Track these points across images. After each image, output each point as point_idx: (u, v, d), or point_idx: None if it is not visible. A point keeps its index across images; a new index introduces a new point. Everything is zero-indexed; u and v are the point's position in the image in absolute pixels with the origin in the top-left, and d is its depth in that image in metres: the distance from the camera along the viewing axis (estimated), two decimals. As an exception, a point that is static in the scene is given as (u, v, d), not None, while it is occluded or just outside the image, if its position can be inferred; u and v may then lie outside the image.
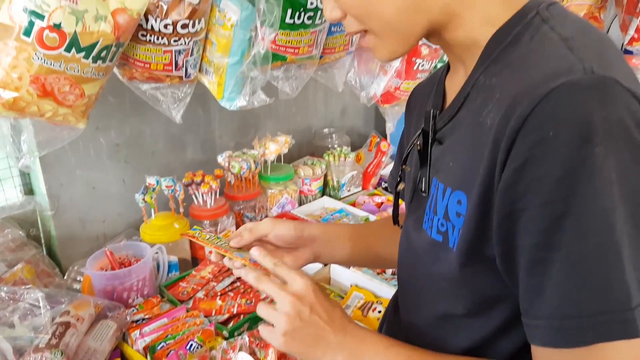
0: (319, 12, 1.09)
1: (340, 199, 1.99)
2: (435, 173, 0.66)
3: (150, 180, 1.44)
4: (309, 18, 1.09)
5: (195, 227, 1.08)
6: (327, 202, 1.96)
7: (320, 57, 1.27)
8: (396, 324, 0.82)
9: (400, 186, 0.79)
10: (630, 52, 1.70)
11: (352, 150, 2.09)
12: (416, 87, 0.84)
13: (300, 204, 1.93)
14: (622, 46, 1.69)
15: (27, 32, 0.73)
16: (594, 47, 0.52)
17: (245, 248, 0.82)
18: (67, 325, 1.07)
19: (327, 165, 1.99)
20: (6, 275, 1.29)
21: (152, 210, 1.46)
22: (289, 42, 1.10)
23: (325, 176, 2.01)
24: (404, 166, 0.78)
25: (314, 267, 1.48)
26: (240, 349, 1.06)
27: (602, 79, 0.47)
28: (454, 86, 0.66)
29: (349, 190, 2.05)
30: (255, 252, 0.74)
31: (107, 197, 1.55)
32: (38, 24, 0.72)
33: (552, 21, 0.55)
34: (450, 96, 0.67)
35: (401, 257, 0.79)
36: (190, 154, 1.73)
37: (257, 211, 1.76)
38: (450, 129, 0.63)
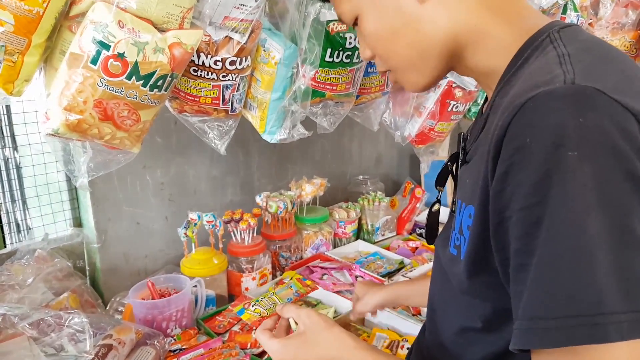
0: (356, 52, 1.16)
1: (374, 243, 1.99)
2: (458, 192, 0.69)
3: (193, 215, 1.49)
4: (347, 57, 1.16)
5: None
6: (361, 245, 1.97)
7: (357, 97, 1.33)
8: (421, 343, 0.83)
9: (435, 207, 0.82)
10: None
11: (386, 196, 2.11)
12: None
13: (335, 246, 1.94)
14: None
15: (94, 61, 0.81)
16: (591, 62, 0.52)
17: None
18: (109, 347, 1.10)
19: (362, 209, 2.01)
20: (53, 302, 1.34)
21: (193, 245, 1.51)
22: (327, 79, 1.17)
23: (360, 220, 2.03)
24: (438, 187, 0.81)
25: (347, 306, 1.47)
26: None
27: (581, 88, 0.47)
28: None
29: (383, 235, 2.05)
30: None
31: (151, 233, 1.61)
32: (104, 53, 0.81)
33: (559, 41, 0.57)
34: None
35: (432, 275, 0.81)
36: (230, 195, 1.80)
37: (292, 251, 1.78)
38: (474, 150, 0.65)
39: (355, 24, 0.71)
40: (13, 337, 1.19)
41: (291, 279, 1.60)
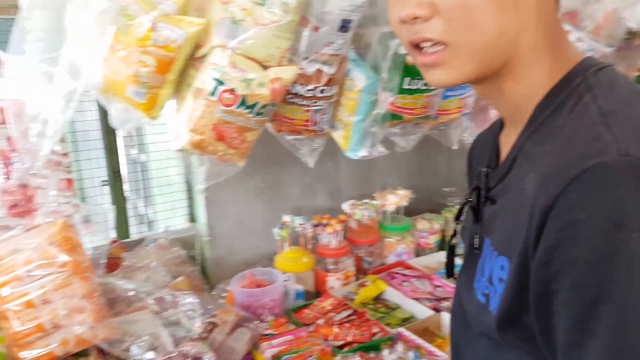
0: (433, 80, 1.29)
1: (457, 255, 2.06)
2: (488, 234, 0.64)
3: (286, 218, 1.71)
4: (424, 85, 1.29)
5: None
6: (444, 256, 2.04)
7: (436, 118, 1.45)
8: None
9: (454, 240, 0.79)
10: None
11: (471, 208, 2.16)
12: (478, 136, 0.82)
13: (417, 255, 2.05)
14: None
15: (212, 94, 1.04)
16: (636, 123, 0.49)
17: None
18: (214, 324, 1.33)
19: (445, 221, 2.10)
20: (170, 284, 1.62)
21: (286, 244, 1.72)
22: (405, 104, 1.31)
23: (443, 232, 2.11)
24: (457, 222, 0.77)
25: (425, 312, 1.58)
26: (350, 364, 1.21)
27: (638, 162, 0.45)
28: (507, 143, 0.65)
29: (465, 246, 2.11)
30: None
31: (251, 231, 1.85)
32: (220, 88, 1.03)
33: (596, 90, 0.53)
34: (504, 152, 0.66)
35: (453, 311, 0.79)
36: (319, 201, 1.99)
37: (375, 256, 1.93)
38: (501, 191, 0.62)
39: None
40: (140, 310, 1.47)
41: (373, 282, 1.74)
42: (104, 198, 1.93)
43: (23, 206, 1.41)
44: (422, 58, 0.58)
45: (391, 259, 1.96)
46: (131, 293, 1.45)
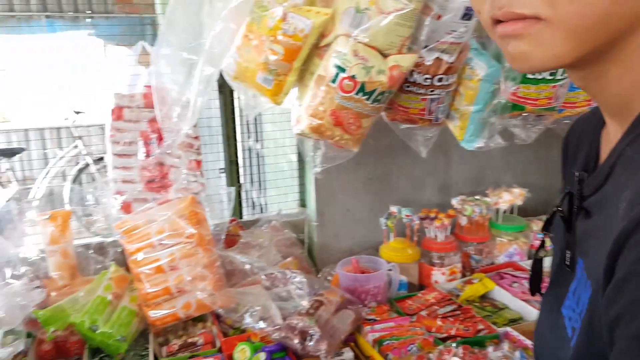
0: (560, 69, 1.23)
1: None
2: (582, 254, 0.54)
3: (394, 209, 1.72)
4: (550, 74, 1.23)
5: None
6: (558, 260, 1.94)
7: (561, 111, 1.37)
8: None
9: (542, 253, 0.70)
10: None
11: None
12: (576, 122, 0.69)
13: (530, 257, 1.95)
14: None
15: (334, 80, 1.08)
16: None
17: None
18: (320, 303, 1.39)
19: (563, 224, 1.97)
20: (280, 263, 1.71)
21: (391, 234, 1.73)
22: (528, 94, 1.25)
23: (560, 234, 1.98)
24: (545, 233, 0.67)
25: (535, 315, 1.51)
26: (454, 355, 1.20)
27: None
28: (607, 143, 0.55)
29: (585, 252, 1.98)
30: None
31: (357, 220, 1.88)
32: (341, 75, 1.07)
33: None
34: (604, 154, 0.56)
35: (537, 330, 0.69)
36: (428, 194, 1.97)
37: (484, 255, 1.87)
38: (597, 203, 0.52)
39: None
40: (254, 283, 1.58)
41: (480, 280, 1.70)
42: (220, 184, 2.08)
43: (158, 182, 1.58)
44: (502, 28, 0.46)
45: (501, 259, 1.89)
46: (247, 267, 1.56)
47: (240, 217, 1.96)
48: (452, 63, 1.18)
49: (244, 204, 2.01)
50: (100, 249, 1.62)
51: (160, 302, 1.43)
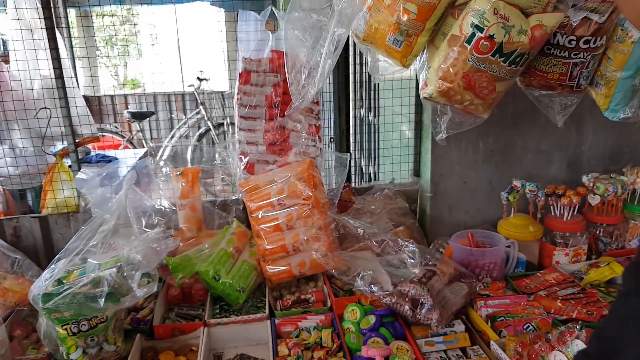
0: None
1: None
2: None
3: (517, 183, 1.62)
4: None
5: None
6: None
7: None
8: None
9: None
10: None
11: None
12: None
13: (669, 246, 1.76)
14: None
15: (469, 41, 1.03)
16: None
17: None
18: (433, 272, 1.36)
19: None
20: (392, 231, 1.70)
21: (512, 210, 1.64)
22: (693, 59, 1.10)
23: None
24: None
25: None
26: (577, 338, 1.12)
27: None
28: None
29: None
30: None
31: (474, 193, 1.81)
32: (478, 35, 1.01)
33: None
34: None
35: None
36: (554, 171, 1.83)
37: (614, 238, 1.71)
38: None
39: None
40: (364, 249, 1.59)
41: (607, 264, 1.56)
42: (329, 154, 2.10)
43: (280, 145, 1.63)
44: None
45: (634, 244, 1.72)
46: (360, 231, 1.58)
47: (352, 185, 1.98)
48: (602, 24, 1.07)
49: (352, 172, 2.02)
50: (224, 205, 1.72)
51: (277, 259, 1.49)
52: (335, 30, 1.10)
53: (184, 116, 4.36)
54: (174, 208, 1.64)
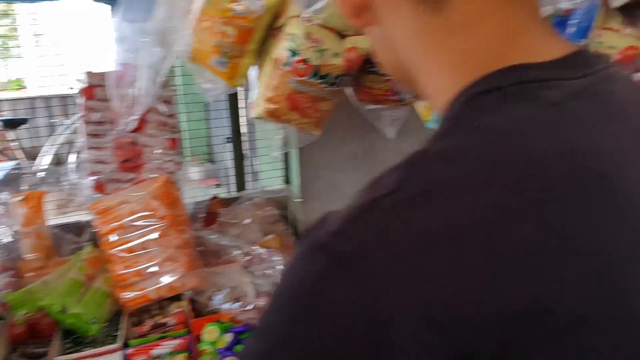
0: None
1: None
2: None
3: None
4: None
5: None
6: None
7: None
8: None
9: None
10: None
11: None
12: None
13: None
14: None
15: (287, 64, 1.02)
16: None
17: None
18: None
19: None
20: (261, 240, 1.70)
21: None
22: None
23: None
24: None
25: None
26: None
27: None
28: None
29: None
30: None
31: (343, 196, 1.84)
32: (294, 58, 1.01)
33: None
34: None
35: None
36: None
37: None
38: None
39: None
40: (230, 263, 1.57)
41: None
42: (227, 155, 2.09)
43: (134, 161, 1.56)
44: None
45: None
46: (224, 245, 1.56)
47: (243, 189, 1.96)
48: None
49: (249, 178, 2.00)
50: (78, 229, 1.62)
51: (132, 284, 1.44)
52: (154, 50, 1.06)
53: (67, 121, 4.08)
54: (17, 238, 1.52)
